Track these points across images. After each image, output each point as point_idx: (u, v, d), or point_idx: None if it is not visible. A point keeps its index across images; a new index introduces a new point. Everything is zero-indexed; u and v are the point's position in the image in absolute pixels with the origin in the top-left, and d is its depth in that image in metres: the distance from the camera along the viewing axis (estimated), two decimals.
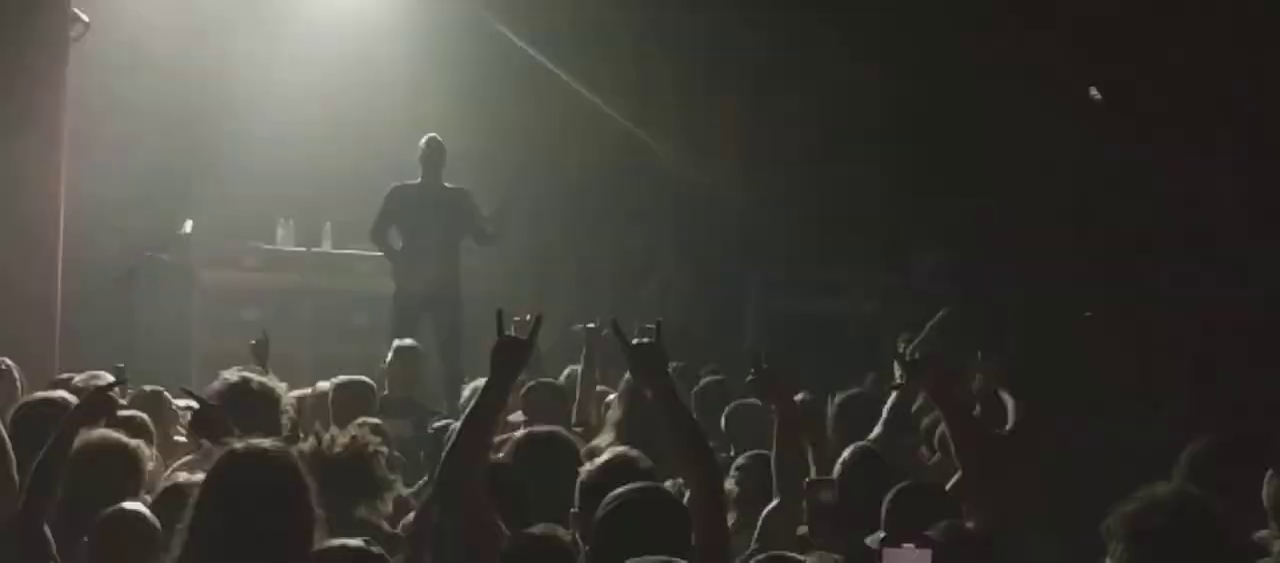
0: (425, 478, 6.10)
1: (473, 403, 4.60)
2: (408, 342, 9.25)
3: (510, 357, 4.54)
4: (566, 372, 8.64)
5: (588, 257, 13.93)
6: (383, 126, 12.61)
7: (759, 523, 5.35)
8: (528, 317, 4.97)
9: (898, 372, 6.74)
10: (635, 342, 4.67)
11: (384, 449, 5.23)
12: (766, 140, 13.38)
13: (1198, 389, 9.92)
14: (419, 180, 11.12)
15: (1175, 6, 11.47)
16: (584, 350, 8.10)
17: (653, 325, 4.71)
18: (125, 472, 5.21)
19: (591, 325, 8.13)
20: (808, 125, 13.12)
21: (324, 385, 7.95)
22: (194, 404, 5.53)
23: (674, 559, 3.78)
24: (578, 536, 4.36)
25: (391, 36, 13.23)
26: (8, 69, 10.76)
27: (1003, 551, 4.80)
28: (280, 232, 13.08)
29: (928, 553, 4.36)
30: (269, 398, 5.66)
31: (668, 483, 4.87)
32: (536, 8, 13.24)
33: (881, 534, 4.61)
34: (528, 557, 4.18)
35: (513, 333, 4.66)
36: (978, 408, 7.03)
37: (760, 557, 4.39)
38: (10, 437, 5.36)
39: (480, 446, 4.49)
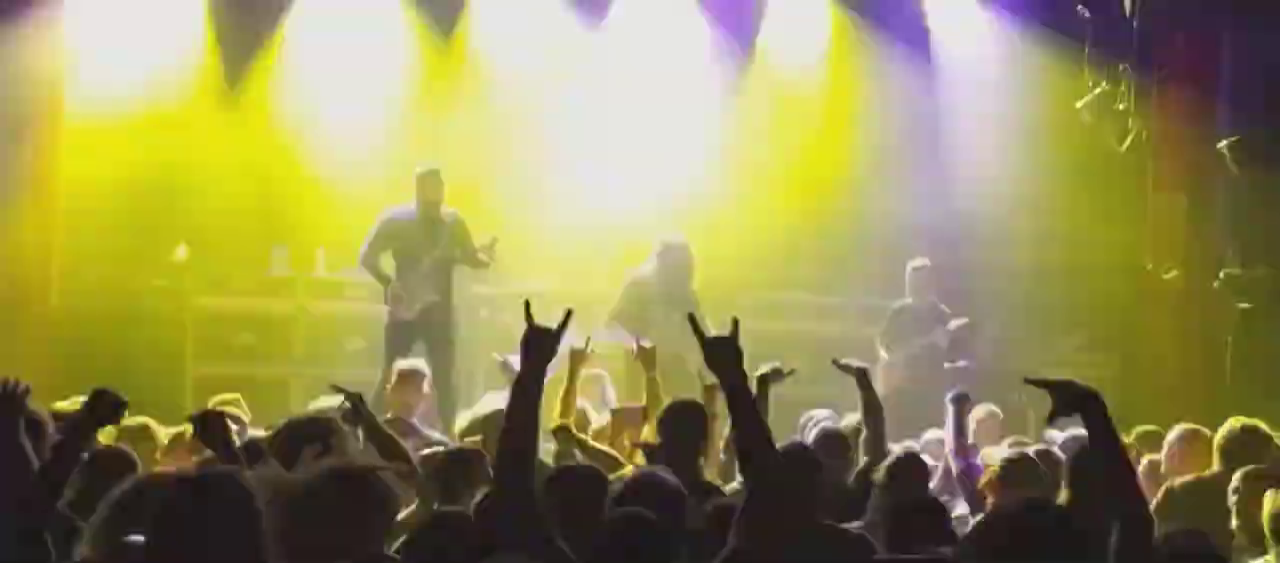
0: (417, 502, 6.07)
1: (509, 400, 4.43)
2: (410, 364, 9.23)
3: (539, 346, 4.41)
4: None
5: None
6: (380, 150, 12.61)
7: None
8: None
9: None
10: (712, 336, 4.44)
11: None
12: None
13: None
14: (413, 206, 11.13)
15: None
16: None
17: (732, 319, 4.50)
18: None
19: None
20: None
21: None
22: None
23: None
24: None
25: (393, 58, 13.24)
26: (5, 84, 10.81)
27: None
28: (275, 257, 13.05)
29: None
30: None
31: None
32: None
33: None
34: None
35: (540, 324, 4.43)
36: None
37: None
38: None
39: (522, 440, 4.36)
